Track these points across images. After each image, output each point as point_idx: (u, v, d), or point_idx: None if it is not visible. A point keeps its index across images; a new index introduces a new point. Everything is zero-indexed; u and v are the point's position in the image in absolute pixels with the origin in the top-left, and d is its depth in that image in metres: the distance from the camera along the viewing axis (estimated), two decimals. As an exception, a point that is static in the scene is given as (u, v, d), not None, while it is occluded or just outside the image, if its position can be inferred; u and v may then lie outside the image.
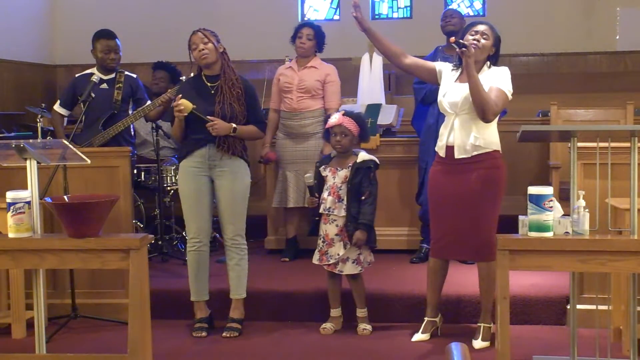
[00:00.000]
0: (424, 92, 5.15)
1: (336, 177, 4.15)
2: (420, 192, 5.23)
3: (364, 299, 4.25)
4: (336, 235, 4.13)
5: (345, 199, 4.10)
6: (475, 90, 3.70)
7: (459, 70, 3.91)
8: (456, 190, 3.84)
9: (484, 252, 3.88)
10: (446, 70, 3.97)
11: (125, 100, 5.03)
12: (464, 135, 3.80)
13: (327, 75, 5.32)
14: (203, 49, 4.11)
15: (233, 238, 4.22)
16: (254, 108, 4.27)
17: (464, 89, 3.80)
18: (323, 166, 4.21)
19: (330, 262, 4.14)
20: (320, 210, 4.16)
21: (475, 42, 3.77)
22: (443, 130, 3.91)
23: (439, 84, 3.99)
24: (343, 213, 4.10)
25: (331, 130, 4.16)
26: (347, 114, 4.19)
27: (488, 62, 3.87)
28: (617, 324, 3.86)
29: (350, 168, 4.11)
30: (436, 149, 3.96)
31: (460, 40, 3.74)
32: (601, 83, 7.85)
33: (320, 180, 4.22)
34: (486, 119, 3.75)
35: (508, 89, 3.81)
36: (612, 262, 3.06)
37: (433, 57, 5.08)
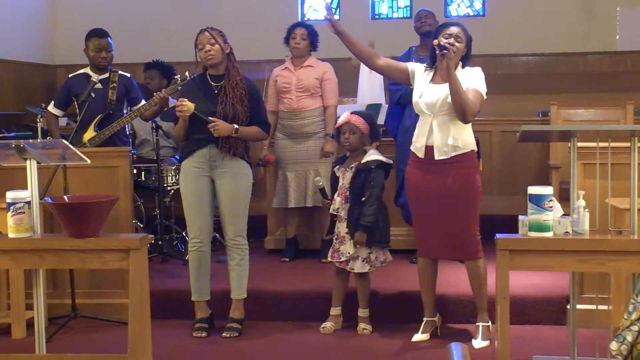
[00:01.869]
0: (400, 94, 5.14)
1: (344, 178, 4.17)
2: (400, 194, 5.22)
3: (367, 299, 4.26)
4: (346, 233, 4.16)
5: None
6: (456, 92, 3.72)
7: (433, 71, 3.94)
8: (436, 190, 3.87)
9: (468, 250, 3.93)
10: (419, 71, 4.00)
11: (120, 100, 5.00)
12: (443, 137, 3.84)
13: (325, 73, 5.33)
14: (209, 50, 4.10)
15: (234, 238, 4.22)
16: (258, 109, 4.27)
17: (440, 90, 3.83)
18: (337, 167, 4.23)
19: (341, 260, 4.16)
20: (330, 211, 4.21)
21: (451, 45, 3.79)
22: (419, 132, 3.93)
23: (411, 85, 4.01)
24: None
25: (340, 128, 4.19)
26: (355, 112, 4.23)
27: (460, 63, 3.90)
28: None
29: (352, 169, 4.14)
30: (413, 149, 3.97)
31: (442, 43, 3.75)
32: (601, 83, 7.85)
33: (336, 180, 4.26)
34: (466, 120, 3.80)
35: (483, 90, 3.86)
36: (612, 262, 3.06)
37: (407, 57, 5.07)
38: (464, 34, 3.87)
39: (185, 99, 4.06)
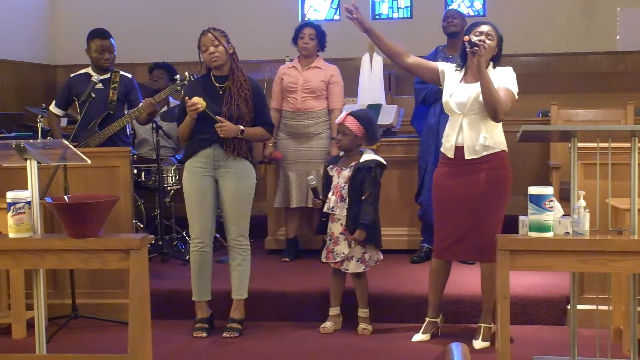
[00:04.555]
0: (425, 93, 5.15)
1: (340, 177, 4.17)
2: (420, 192, 5.22)
3: (366, 299, 4.26)
4: (340, 234, 4.15)
5: (347, 198, 4.12)
6: (487, 90, 3.68)
7: (463, 71, 3.92)
8: (464, 191, 3.83)
9: (488, 252, 3.86)
10: (449, 71, 3.97)
11: (120, 100, 5.00)
12: (473, 136, 3.80)
13: (332, 76, 5.32)
14: (214, 52, 4.09)
15: (236, 239, 4.22)
16: (262, 109, 4.26)
17: (471, 89, 3.80)
18: (330, 166, 4.24)
19: (336, 260, 4.16)
20: (325, 210, 4.18)
21: (482, 42, 3.77)
22: (449, 131, 3.89)
23: (440, 84, 3.99)
24: (345, 212, 4.12)
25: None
26: (352, 113, 4.20)
27: (491, 62, 3.87)
28: (618, 324, 3.87)
29: (351, 168, 4.13)
30: (442, 150, 3.94)
31: (472, 40, 3.74)
32: (601, 83, 7.85)
33: (329, 180, 4.25)
34: (497, 119, 3.76)
35: (515, 89, 3.83)
36: (612, 262, 3.06)
37: (434, 57, 5.06)
38: (495, 33, 3.83)
39: (191, 98, 4.05)
